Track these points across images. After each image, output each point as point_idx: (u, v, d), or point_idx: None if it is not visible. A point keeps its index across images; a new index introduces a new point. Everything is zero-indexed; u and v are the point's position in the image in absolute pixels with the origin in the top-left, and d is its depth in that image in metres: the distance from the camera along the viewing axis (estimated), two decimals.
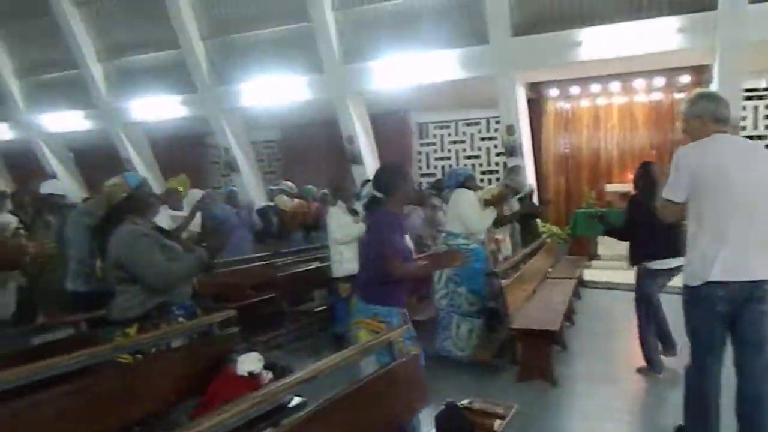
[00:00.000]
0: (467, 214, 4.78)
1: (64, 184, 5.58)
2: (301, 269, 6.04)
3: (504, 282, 4.63)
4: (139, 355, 2.85)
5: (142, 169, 11.82)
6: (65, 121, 12.45)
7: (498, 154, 10.78)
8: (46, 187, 5.22)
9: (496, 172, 10.80)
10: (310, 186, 8.35)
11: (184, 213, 5.26)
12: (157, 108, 11.53)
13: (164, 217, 4.79)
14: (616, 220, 4.87)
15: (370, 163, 10.34)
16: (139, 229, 2.93)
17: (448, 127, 11.33)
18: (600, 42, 8.30)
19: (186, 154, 12.68)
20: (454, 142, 11.30)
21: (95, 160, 12.63)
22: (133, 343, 2.80)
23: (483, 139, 11.09)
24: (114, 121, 11.91)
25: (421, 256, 3.24)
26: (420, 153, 11.52)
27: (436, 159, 11.45)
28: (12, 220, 5.52)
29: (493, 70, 8.96)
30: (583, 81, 9.73)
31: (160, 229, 3.14)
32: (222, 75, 11.01)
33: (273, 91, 10.46)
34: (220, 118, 11.12)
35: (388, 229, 2.88)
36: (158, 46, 11.34)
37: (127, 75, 11.88)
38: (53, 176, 12.50)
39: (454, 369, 4.60)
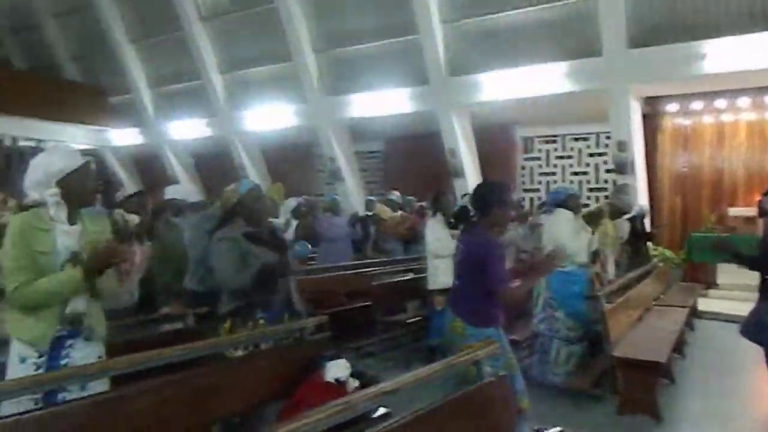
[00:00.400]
0: (560, 236, 4.59)
1: (186, 189, 5.99)
2: (395, 279, 6.06)
3: (607, 306, 4.38)
4: (236, 352, 2.98)
5: (254, 175, 12.44)
6: (188, 128, 13.40)
7: (608, 171, 10.26)
8: (169, 192, 5.61)
9: (605, 189, 10.27)
10: (409, 197, 8.39)
11: (280, 221, 5.45)
12: (270, 117, 12.12)
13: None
14: (742, 247, 4.45)
15: (472, 177, 10.22)
16: (224, 232, 3.07)
17: (554, 141, 10.96)
18: (728, 54, 7.68)
19: (294, 162, 13.21)
20: (561, 158, 10.90)
21: (213, 165, 13.50)
22: (225, 341, 2.93)
23: (592, 155, 10.61)
24: (230, 129, 12.67)
25: (514, 271, 3.13)
26: (524, 168, 11.22)
27: (541, 174, 11.10)
28: (134, 219, 6.01)
29: (605, 83, 8.56)
30: (707, 96, 9.04)
31: (253, 236, 3.17)
32: (330, 86, 11.38)
33: (378, 102, 10.65)
34: (327, 128, 11.49)
35: (498, 260, 2.86)
36: (273, 58, 11.94)
37: (244, 86, 12.60)
38: (175, 180, 13.50)
39: (551, 394, 4.40)
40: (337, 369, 2.86)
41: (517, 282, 2.96)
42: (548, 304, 4.61)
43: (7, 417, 2.12)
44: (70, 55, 14.74)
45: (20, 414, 2.14)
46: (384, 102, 10.57)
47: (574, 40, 8.88)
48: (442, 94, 9.97)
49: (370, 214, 8.12)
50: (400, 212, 8.10)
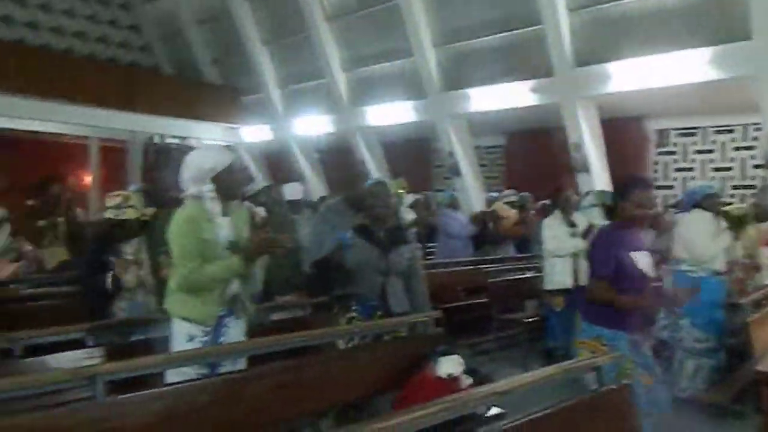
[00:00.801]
0: (692, 239, 4.21)
1: (303, 187, 6.25)
2: (512, 277, 5.92)
3: (752, 316, 3.96)
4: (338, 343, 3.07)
5: (374, 169, 12.71)
6: (313, 124, 13.98)
7: (756, 167, 9.27)
8: (287, 190, 5.88)
9: (753, 187, 9.30)
10: (526, 194, 8.14)
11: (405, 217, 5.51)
12: (390, 113, 12.30)
13: None
14: None
15: (598, 173, 9.70)
16: (332, 212, 3.18)
17: (693, 134, 10.09)
18: None
19: (412, 157, 13.32)
20: (700, 152, 10.02)
21: (336, 160, 13.98)
22: (340, 331, 3.03)
23: (737, 148, 9.64)
24: (353, 125, 13.03)
25: (646, 284, 2.92)
26: (657, 163, 10.45)
27: (677, 170, 10.28)
28: (260, 212, 6.40)
29: (756, 69, 7.72)
30: None
31: (364, 230, 3.25)
32: (450, 81, 11.32)
33: (498, 96, 10.42)
34: (446, 123, 11.44)
35: (605, 245, 2.69)
36: (394, 55, 12.10)
37: (366, 83, 12.89)
38: (301, 175, 14.16)
39: (685, 406, 4.06)
40: (450, 364, 2.84)
41: (635, 296, 2.75)
42: (671, 310, 4.27)
43: (172, 384, 2.38)
44: (211, 59, 15.91)
45: (181, 382, 2.39)
46: (505, 95, 10.32)
47: (717, 23, 8.10)
48: (567, 86, 9.54)
49: (488, 210, 7.98)
50: (517, 210, 7.89)
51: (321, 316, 3.84)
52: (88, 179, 15.46)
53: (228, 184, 2.67)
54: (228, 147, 2.66)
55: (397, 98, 12.12)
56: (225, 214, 2.70)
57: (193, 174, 2.66)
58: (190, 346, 2.61)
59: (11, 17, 14.40)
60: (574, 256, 5.06)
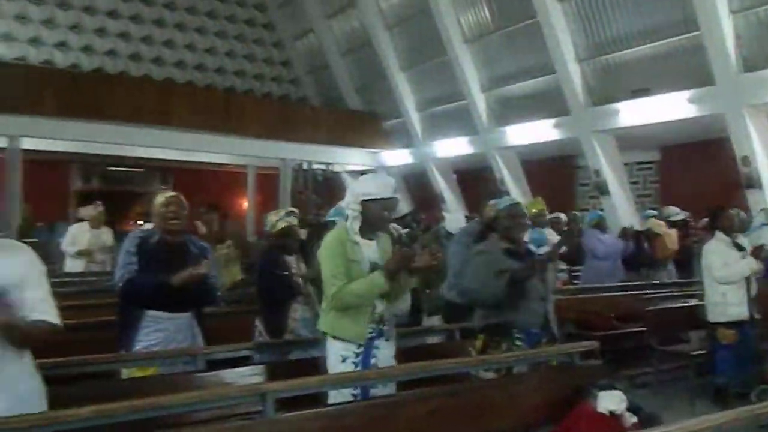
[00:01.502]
0: None
1: (459, 218, 6.25)
2: (674, 305, 5.44)
3: None
4: (488, 374, 2.99)
5: (514, 189, 12.47)
6: (452, 146, 14.07)
7: None
8: (449, 221, 5.91)
9: None
10: (680, 212, 7.48)
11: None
12: (530, 132, 12.02)
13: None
14: None
15: None
16: (479, 247, 3.10)
17: None
18: None
19: (554, 176, 12.88)
20: None
21: (474, 180, 13.92)
22: (486, 360, 2.97)
23: None
24: (491, 145, 12.91)
25: None
26: None
27: None
28: (403, 232, 6.55)
29: None
30: None
31: (513, 253, 3.18)
32: (596, 96, 10.83)
33: (651, 108, 9.75)
34: (592, 139, 10.93)
35: None
36: (534, 73, 11.85)
37: (505, 102, 12.75)
38: (441, 196, 14.28)
39: None
40: (611, 400, 2.67)
41: None
42: None
43: (333, 405, 2.51)
44: (354, 88, 16.70)
45: (341, 404, 2.51)
46: (659, 107, 9.63)
47: None
48: (733, 94, 8.69)
49: (643, 230, 7.45)
50: (676, 230, 7.27)
51: (464, 342, 3.81)
52: (245, 204, 16.87)
53: (375, 215, 2.74)
54: (389, 185, 2.72)
55: (538, 116, 11.82)
56: (370, 237, 2.79)
57: (350, 197, 2.79)
58: (343, 366, 2.70)
59: (184, 61, 16.25)
60: (746, 281, 4.56)
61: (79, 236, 6.89)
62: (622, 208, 10.90)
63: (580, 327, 5.15)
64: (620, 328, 5.36)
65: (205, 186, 15.47)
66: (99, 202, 7.17)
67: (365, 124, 15.98)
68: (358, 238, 2.74)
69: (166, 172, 16.53)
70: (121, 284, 3.22)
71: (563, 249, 4.74)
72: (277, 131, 14.22)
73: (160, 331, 3.24)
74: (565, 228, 6.91)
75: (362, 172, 17.38)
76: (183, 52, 16.27)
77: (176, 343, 3.28)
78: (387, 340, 2.81)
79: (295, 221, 3.90)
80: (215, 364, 3.15)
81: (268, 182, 16.17)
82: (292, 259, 3.87)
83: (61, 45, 14.62)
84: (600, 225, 7.08)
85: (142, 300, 3.22)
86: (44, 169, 13.15)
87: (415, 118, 14.93)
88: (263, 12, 17.63)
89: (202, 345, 3.40)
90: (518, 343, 3.00)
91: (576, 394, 2.83)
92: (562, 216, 7.36)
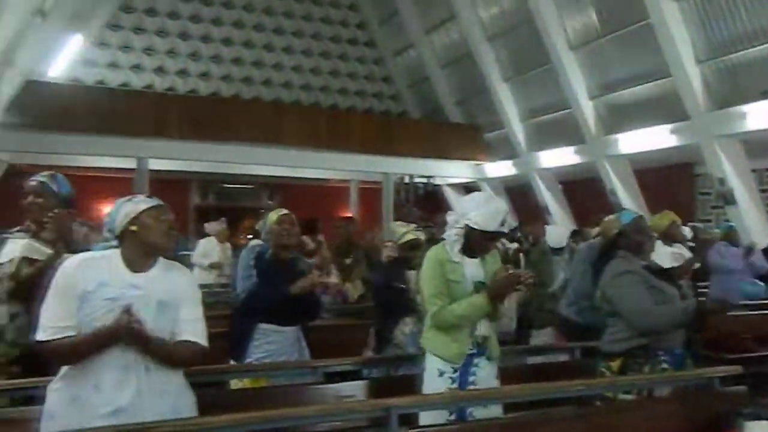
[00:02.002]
0: None
1: (561, 232, 6.05)
2: None
3: None
4: (627, 396, 2.83)
5: (626, 199, 11.85)
6: (557, 156, 13.64)
7: None
8: (551, 235, 5.74)
9: None
10: None
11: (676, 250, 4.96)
12: (643, 139, 11.39)
13: (663, 255, 4.61)
14: None
15: None
16: (624, 265, 2.93)
17: None
18: None
19: (670, 185, 12.10)
20: None
21: (581, 191, 13.39)
22: (624, 381, 2.80)
23: None
24: (600, 154, 12.37)
25: None
26: None
27: None
28: (512, 248, 6.40)
29: None
30: None
31: (654, 269, 3.03)
32: (718, 99, 10.07)
33: None
34: (714, 145, 10.16)
35: None
36: (648, 77, 11.25)
37: (615, 109, 12.19)
38: (546, 208, 13.85)
39: None
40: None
41: None
42: None
43: (425, 427, 2.48)
44: (454, 100, 16.68)
45: (435, 426, 2.47)
46: None
47: None
48: None
49: None
50: None
51: (584, 361, 3.64)
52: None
53: (477, 244, 2.68)
54: (499, 216, 2.65)
55: (652, 122, 11.18)
56: (473, 255, 2.73)
57: (454, 215, 2.76)
58: (440, 381, 2.66)
59: (291, 82, 17.02)
60: None
61: (210, 250, 7.34)
62: (751, 219, 10.01)
63: (709, 348, 4.77)
64: (758, 350, 4.89)
65: (309, 200, 16.03)
66: (223, 218, 7.63)
67: (466, 137, 15.88)
68: (458, 257, 2.69)
69: (274, 188, 17.31)
70: (243, 296, 3.37)
71: (697, 264, 4.43)
72: (379, 146, 14.48)
73: (270, 344, 3.37)
74: (691, 241, 6.46)
75: (465, 186, 17.30)
76: (290, 73, 17.04)
77: (285, 356, 3.41)
78: (488, 359, 2.74)
79: (422, 235, 3.94)
80: (336, 376, 3.22)
81: (370, 196, 16.47)
82: (412, 274, 3.89)
83: (182, 73, 15.81)
84: (730, 237, 6.57)
85: (262, 312, 3.36)
86: (167, 187, 14.19)
87: (517, 128, 14.63)
88: (364, 30, 18.09)
89: (308, 358, 3.52)
90: (664, 365, 2.81)
91: (717, 422, 2.61)
92: (686, 228, 6.88)
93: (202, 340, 2.17)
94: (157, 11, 15.56)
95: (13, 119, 10.82)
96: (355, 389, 3.10)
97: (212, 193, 17.21)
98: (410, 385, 2.94)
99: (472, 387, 2.64)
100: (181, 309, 2.14)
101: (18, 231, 3.02)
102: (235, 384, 3.38)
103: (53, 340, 2.00)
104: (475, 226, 2.64)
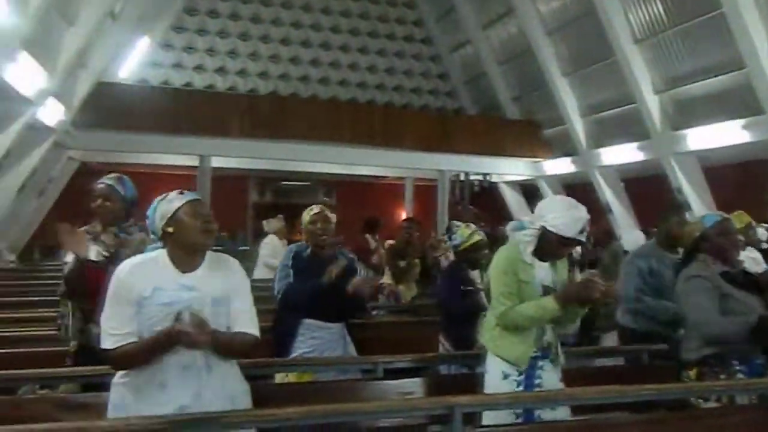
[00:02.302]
0: None
1: (638, 236, 5.84)
2: None
3: None
4: (701, 401, 2.71)
5: (695, 199, 11.35)
6: (619, 153, 13.20)
7: None
8: (627, 240, 5.55)
9: None
10: None
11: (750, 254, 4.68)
12: (714, 135, 10.86)
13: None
14: None
15: None
16: (696, 269, 2.79)
17: None
18: None
19: (743, 183, 11.48)
20: None
21: (645, 188, 12.91)
22: (699, 387, 2.68)
23: None
24: (665, 151, 11.88)
25: None
26: None
27: None
28: (577, 251, 6.22)
29: None
30: None
31: (729, 277, 2.84)
32: None
33: None
34: None
35: None
36: (718, 70, 10.73)
37: (682, 104, 11.69)
38: (607, 207, 13.43)
39: None
40: None
41: None
42: None
43: (491, 426, 2.44)
44: (511, 96, 16.41)
45: (500, 426, 2.43)
46: None
47: None
48: None
49: None
50: None
51: (654, 365, 3.50)
52: (403, 215, 17.27)
53: (551, 248, 2.64)
54: (579, 223, 2.57)
55: (723, 117, 10.65)
56: (543, 259, 2.68)
57: (534, 216, 2.70)
58: (504, 384, 2.62)
59: (347, 80, 17.16)
60: None
61: (278, 248, 7.37)
62: None
63: None
64: None
65: (364, 198, 16.14)
66: (281, 215, 7.73)
67: (524, 133, 15.59)
68: (530, 258, 2.65)
69: (330, 185, 17.52)
70: (279, 295, 3.47)
71: None
72: (434, 143, 14.41)
73: (314, 339, 3.44)
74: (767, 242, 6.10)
75: (521, 184, 16.99)
76: (346, 71, 17.18)
77: (330, 351, 3.46)
78: (553, 362, 2.70)
79: (478, 237, 3.89)
80: (394, 373, 3.21)
81: (425, 194, 16.42)
82: (476, 274, 3.85)
83: (242, 72, 16.20)
84: None
85: (299, 308, 3.43)
86: (227, 185, 14.60)
87: (578, 124, 14.24)
88: (421, 27, 18.03)
89: (353, 354, 3.56)
90: (739, 376, 2.67)
91: None
92: (761, 230, 6.51)
93: (256, 330, 2.19)
94: (219, 13, 16.00)
95: (85, 119, 11.36)
96: (410, 386, 3.08)
97: (270, 190, 17.58)
98: (469, 384, 2.90)
99: (538, 390, 2.58)
100: (234, 301, 2.16)
101: (86, 231, 3.09)
102: (280, 378, 3.43)
103: (117, 348, 2.04)
104: (553, 229, 2.58)
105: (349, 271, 3.50)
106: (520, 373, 2.60)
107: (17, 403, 2.71)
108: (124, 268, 2.11)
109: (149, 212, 2.17)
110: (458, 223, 4.52)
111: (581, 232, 2.59)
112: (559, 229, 2.57)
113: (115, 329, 2.04)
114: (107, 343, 2.06)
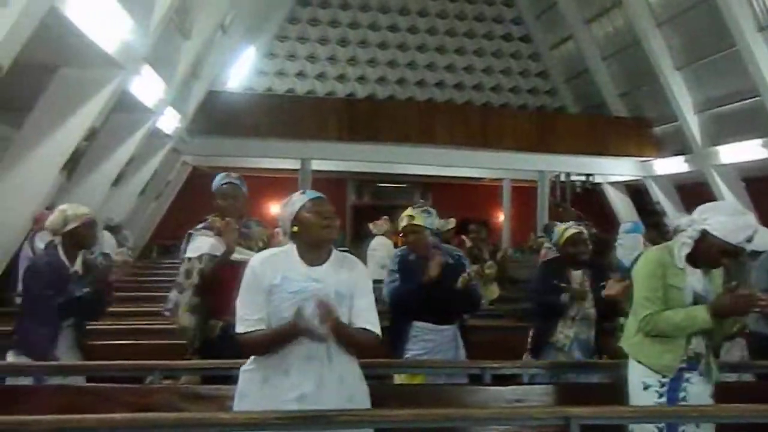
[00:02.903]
0: None
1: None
2: None
3: None
4: None
5: None
6: (740, 151, 12.18)
7: None
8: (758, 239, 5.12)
9: None
10: None
11: None
12: None
13: None
14: None
15: None
16: None
17: None
18: None
19: None
20: None
21: None
22: None
23: None
24: None
25: None
26: None
27: None
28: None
29: None
30: None
31: None
32: None
33: None
34: None
35: None
36: None
37: None
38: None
39: None
40: None
41: None
42: None
43: None
44: (617, 93, 15.63)
45: None
46: None
47: None
48: None
49: None
50: None
51: None
52: (500, 217, 16.96)
53: (708, 255, 2.44)
54: (745, 230, 2.37)
55: None
56: (697, 265, 2.50)
57: (691, 218, 2.51)
58: (645, 394, 2.45)
59: (444, 81, 17.10)
60: None
61: (390, 249, 7.42)
62: None
63: None
64: None
65: (461, 199, 15.98)
66: (386, 217, 7.81)
67: (631, 131, 14.79)
68: (683, 264, 2.47)
69: (426, 187, 17.52)
70: (388, 300, 3.50)
71: None
72: (533, 143, 14.03)
73: (426, 342, 3.42)
74: None
75: (627, 185, 16.13)
76: (443, 73, 17.11)
77: (441, 354, 3.44)
78: (702, 375, 2.49)
79: (584, 231, 3.72)
80: (502, 378, 3.14)
81: (523, 195, 16.01)
82: (578, 274, 3.67)
83: (341, 77, 16.61)
84: None
85: (409, 311, 3.43)
86: (326, 187, 14.98)
87: (692, 121, 13.28)
88: (519, 25, 17.62)
89: (464, 358, 3.51)
90: None
91: None
92: None
93: (377, 328, 2.24)
94: (319, 20, 16.50)
95: (197, 126, 12.12)
96: (519, 393, 2.99)
97: (368, 192, 17.86)
98: (581, 393, 2.77)
99: (682, 404, 2.40)
100: (356, 299, 2.23)
101: (203, 228, 3.27)
102: (398, 379, 3.45)
103: (248, 332, 2.17)
104: (715, 233, 2.39)
105: (456, 267, 3.46)
106: (662, 385, 2.43)
107: (145, 392, 2.90)
108: (258, 258, 2.29)
109: (279, 216, 2.32)
110: (557, 223, 4.36)
111: (748, 240, 2.39)
112: (723, 234, 2.37)
113: (247, 315, 2.18)
114: (240, 328, 2.20)
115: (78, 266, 3.24)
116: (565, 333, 3.61)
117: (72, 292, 3.11)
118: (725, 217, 2.40)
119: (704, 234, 2.41)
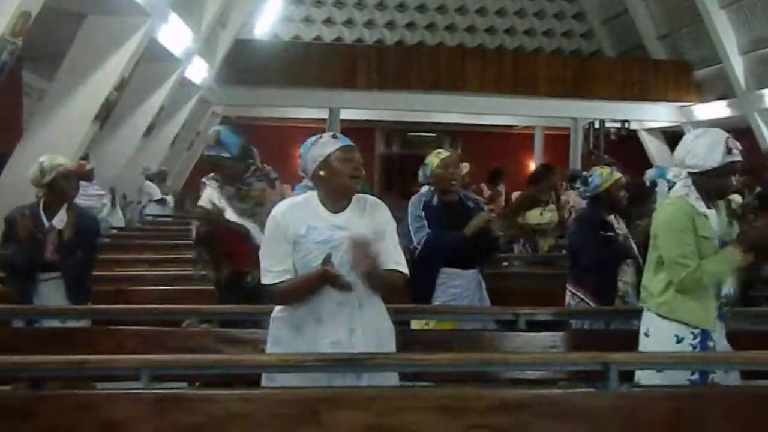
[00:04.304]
0: None
1: None
2: None
3: None
4: None
5: None
6: None
7: None
8: None
9: None
10: None
11: None
12: None
13: None
14: None
15: None
16: None
17: None
18: None
19: None
20: None
21: None
22: None
23: None
24: None
25: None
26: None
27: None
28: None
29: None
30: None
31: None
32: None
33: None
34: None
35: None
36: None
37: None
38: None
39: None
40: None
41: None
42: None
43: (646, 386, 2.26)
44: (656, 35, 14.93)
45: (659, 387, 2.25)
46: None
47: None
48: None
49: None
50: None
51: None
52: (532, 166, 16.65)
53: (712, 188, 2.41)
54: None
55: None
56: (708, 206, 2.44)
57: (673, 171, 2.45)
58: (678, 348, 2.40)
59: (475, 26, 16.55)
60: None
61: None
62: None
63: None
64: None
65: (491, 148, 15.71)
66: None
67: (670, 75, 14.15)
68: (704, 209, 2.39)
69: (455, 136, 17.25)
70: (419, 246, 3.34)
71: None
72: (567, 89, 13.57)
73: (454, 288, 3.37)
74: None
75: (664, 131, 15.60)
76: (473, 17, 16.54)
77: (467, 300, 3.40)
78: (721, 320, 2.47)
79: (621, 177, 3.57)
80: (536, 325, 3.09)
81: (556, 143, 15.65)
82: (612, 219, 3.56)
83: (369, 24, 16.18)
84: None
85: (441, 258, 3.36)
86: (355, 136, 14.76)
87: (736, 63, 12.63)
88: None
89: (488, 303, 3.48)
90: None
91: None
92: None
93: (405, 268, 2.23)
94: None
95: (225, 76, 12.03)
96: (552, 340, 2.96)
97: (396, 141, 17.68)
98: (614, 341, 2.72)
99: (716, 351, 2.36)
100: (384, 241, 2.19)
101: (211, 178, 3.22)
102: (418, 326, 3.39)
103: (275, 284, 2.16)
104: (697, 169, 2.35)
105: (477, 213, 3.43)
106: (695, 336, 2.37)
107: (184, 335, 2.98)
108: (280, 208, 2.24)
109: (302, 152, 2.23)
110: (582, 172, 4.19)
111: (729, 152, 2.30)
112: (702, 165, 2.33)
113: (273, 266, 2.17)
114: (266, 279, 2.19)
115: (59, 221, 3.26)
116: (624, 280, 3.52)
117: (44, 247, 3.18)
118: (691, 149, 2.36)
119: (692, 176, 2.37)
